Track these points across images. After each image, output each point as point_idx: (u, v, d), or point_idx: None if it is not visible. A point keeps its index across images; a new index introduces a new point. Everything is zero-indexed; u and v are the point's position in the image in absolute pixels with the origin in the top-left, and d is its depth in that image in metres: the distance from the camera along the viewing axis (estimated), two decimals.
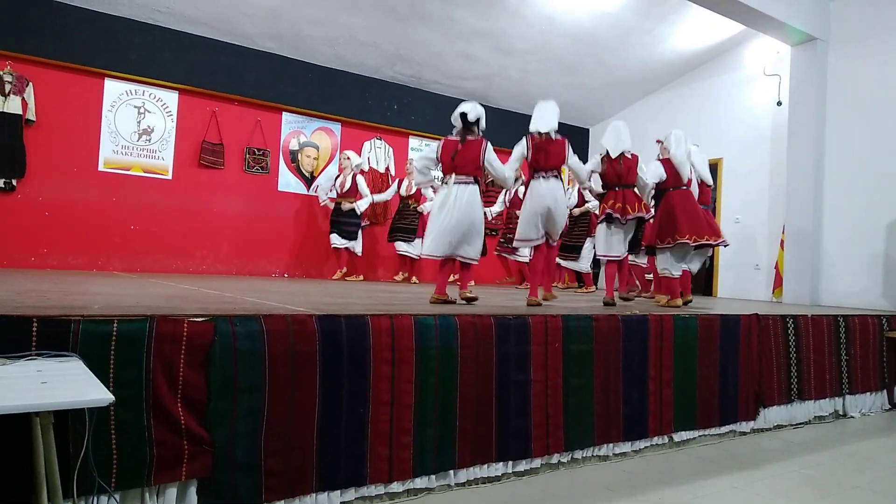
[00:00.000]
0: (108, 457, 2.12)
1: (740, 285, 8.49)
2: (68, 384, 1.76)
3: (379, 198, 8.00)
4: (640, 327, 3.78)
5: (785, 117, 7.75)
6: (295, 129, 8.13)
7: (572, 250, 7.82)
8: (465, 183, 4.02)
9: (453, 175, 4.01)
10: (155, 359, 2.24)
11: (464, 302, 4.09)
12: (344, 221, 7.64)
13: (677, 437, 3.93)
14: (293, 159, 8.04)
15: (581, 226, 7.82)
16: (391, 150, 8.84)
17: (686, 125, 9.14)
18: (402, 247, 8.02)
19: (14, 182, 6.31)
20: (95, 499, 2.09)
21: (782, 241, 7.70)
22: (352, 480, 2.70)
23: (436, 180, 4.51)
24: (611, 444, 3.58)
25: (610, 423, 3.57)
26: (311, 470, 2.58)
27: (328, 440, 2.63)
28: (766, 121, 8.29)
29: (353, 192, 7.68)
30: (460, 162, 4.01)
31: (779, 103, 8.02)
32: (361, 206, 7.66)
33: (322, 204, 7.88)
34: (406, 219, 8.03)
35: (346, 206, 7.62)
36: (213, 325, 2.39)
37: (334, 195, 7.77)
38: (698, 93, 9.14)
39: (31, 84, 6.39)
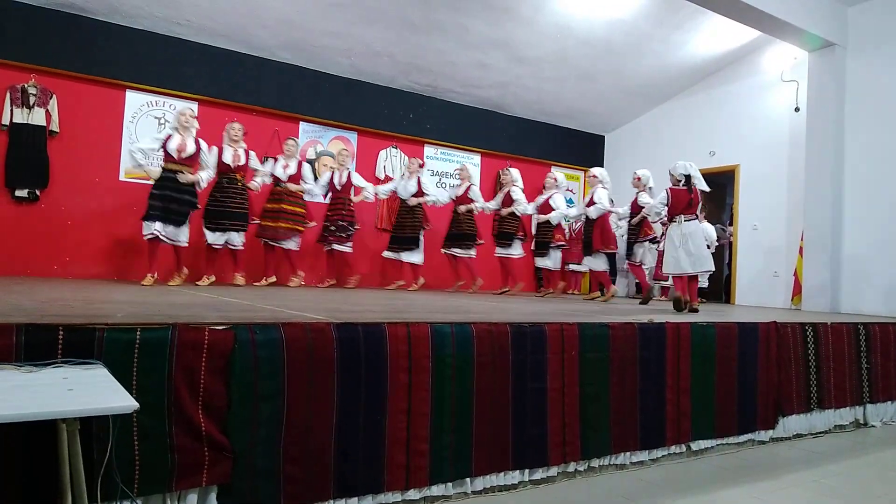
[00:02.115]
0: (130, 462, 2.16)
1: (759, 293, 8.42)
2: (94, 391, 1.80)
3: (207, 175, 6.04)
4: (656, 335, 3.77)
5: (803, 123, 7.70)
6: (312, 139, 8.21)
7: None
8: (692, 220, 5.67)
9: (683, 214, 5.64)
10: (177, 366, 2.28)
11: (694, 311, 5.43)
12: (177, 198, 5.69)
13: (695, 445, 3.90)
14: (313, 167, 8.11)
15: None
16: (407, 158, 8.89)
17: (702, 131, 9.16)
18: (212, 238, 6.25)
19: (38, 192, 6.44)
20: None
21: (801, 248, 7.63)
22: (369, 487, 2.71)
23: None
24: (628, 453, 3.57)
25: (627, 431, 3.56)
26: (330, 476, 2.60)
27: (346, 447, 2.65)
28: (784, 127, 8.24)
29: (194, 163, 5.88)
30: (692, 204, 5.67)
31: (797, 109, 7.97)
32: (204, 179, 5.94)
33: (140, 168, 5.84)
34: (233, 199, 6.26)
35: (185, 177, 5.73)
36: (233, 333, 2.43)
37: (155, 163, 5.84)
38: (715, 99, 9.11)
39: (54, 96, 6.53)
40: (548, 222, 7.64)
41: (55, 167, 6.52)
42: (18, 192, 6.35)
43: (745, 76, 8.77)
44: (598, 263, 7.14)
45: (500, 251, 7.71)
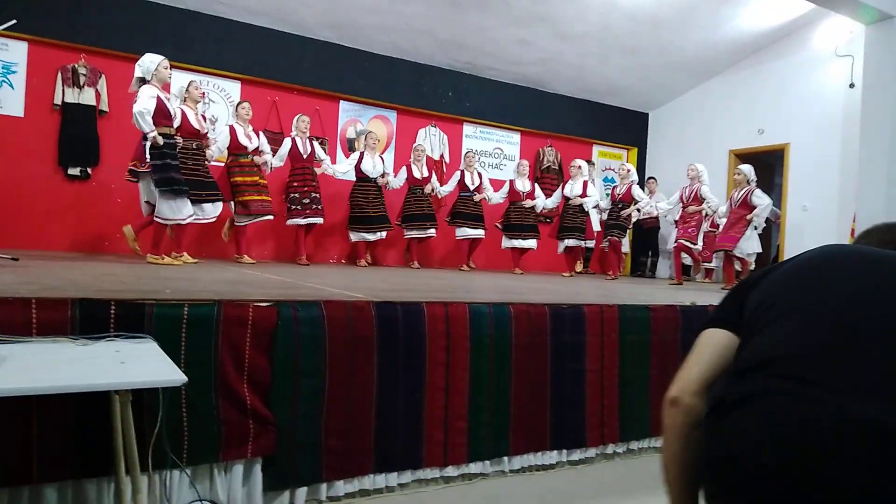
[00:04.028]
0: (179, 433, 2.24)
1: None
2: (145, 364, 1.86)
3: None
4: (699, 318, 3.70)
5: (858, 100, 7.37)
6: (352, 118, 8.23)
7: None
8: None
9: None
10: (223, 341, 2.34)
11: None
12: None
13: None
14: (350, 147, 8.15)
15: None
16: (446, 137, 8.85)
17: (751, 109, 8.87)
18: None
19: (89, 170, 6.64)
20: (168, 473, 2.21)
21: (853, 231, 7.37)
22: (408, 463, 2.76)
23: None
24: None
25: None
26: (370, 451, 2.65)
27: (385, 423, 2.70)
28: (838, 104, 7.92)
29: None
30: None
31: (851, 85, 7.65)
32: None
33: (153, 131, 4.82)
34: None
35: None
36: (276, 310, 2.48)
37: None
38: (764, 75, 8.79)
39: (103, 76, 6.68)
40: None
41: (105, 146, 6.69)
42: (71, 171, 6.55)
43: (797, 51, 8.43)
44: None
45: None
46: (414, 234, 7.50)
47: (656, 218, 8.92)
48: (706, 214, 7.42)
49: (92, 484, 2.13)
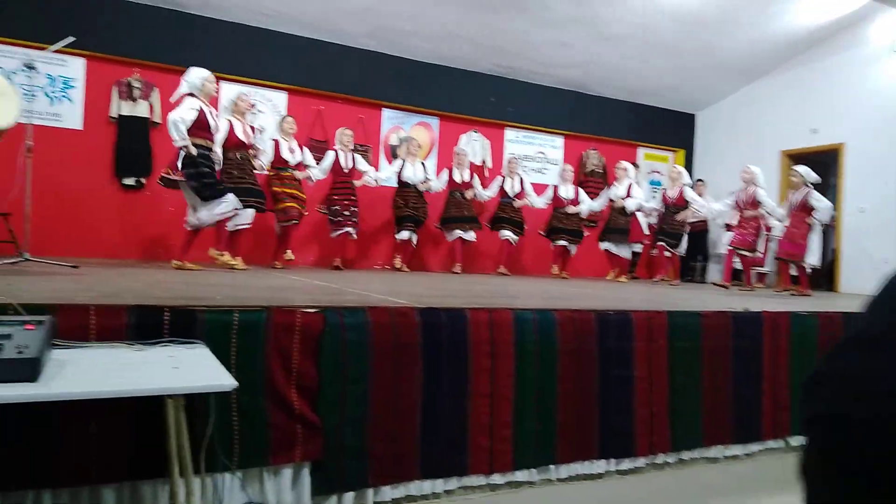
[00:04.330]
0: (230, 437, 2.28)
1: (865, 280, 7.84)
2: (197, 370, 1.90)
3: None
4: (752, 325, 3.59)
5: None
6: (395, 125, 8.29)
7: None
8: None
9: None
10: (272, 347, 2.38)
11: None
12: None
13: (794, 440, 3.70)
14: (394, 154, 8.20)
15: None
16: (488, 142, 8.84)
17: (803, 108, 8.60)
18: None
19: (143, 180, 6.86)
20: (220, 476, 2.25)
21: None
22: (453, 469, 2.75)
23: None
24: (721, 446, 3.44)
25: (719, 423, 3.42)
26: (415, 457, 2.65)
27: (430, 429, 2.69)
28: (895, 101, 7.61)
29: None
30: None
31: None
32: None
33: (184, 141, 5.12)
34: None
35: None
36: (323, 316, 2.51)
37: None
38: (817, 73, 8.50)
39: (156, 89, 6.90)
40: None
41: (158, 156, 6.90)
42: (126, 181, 6.79)
43: (851, 47, 8.13)
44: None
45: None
46: (457, 233, 7.54)
47: (705, 221, 8.71)
48: (766, 224, 7.12)
49: (148, 486, 2.18)
